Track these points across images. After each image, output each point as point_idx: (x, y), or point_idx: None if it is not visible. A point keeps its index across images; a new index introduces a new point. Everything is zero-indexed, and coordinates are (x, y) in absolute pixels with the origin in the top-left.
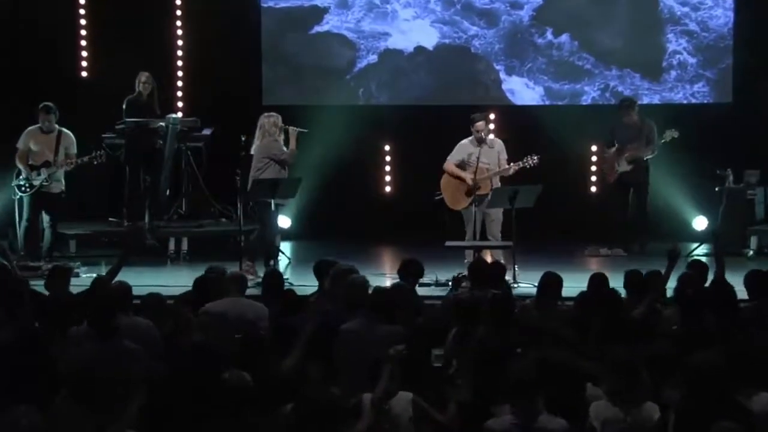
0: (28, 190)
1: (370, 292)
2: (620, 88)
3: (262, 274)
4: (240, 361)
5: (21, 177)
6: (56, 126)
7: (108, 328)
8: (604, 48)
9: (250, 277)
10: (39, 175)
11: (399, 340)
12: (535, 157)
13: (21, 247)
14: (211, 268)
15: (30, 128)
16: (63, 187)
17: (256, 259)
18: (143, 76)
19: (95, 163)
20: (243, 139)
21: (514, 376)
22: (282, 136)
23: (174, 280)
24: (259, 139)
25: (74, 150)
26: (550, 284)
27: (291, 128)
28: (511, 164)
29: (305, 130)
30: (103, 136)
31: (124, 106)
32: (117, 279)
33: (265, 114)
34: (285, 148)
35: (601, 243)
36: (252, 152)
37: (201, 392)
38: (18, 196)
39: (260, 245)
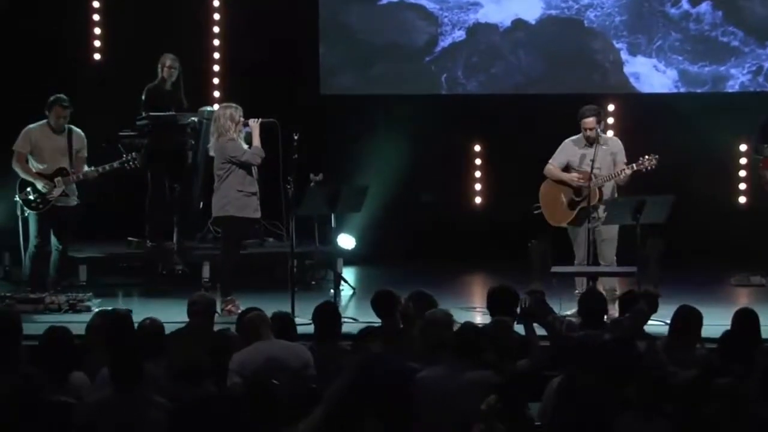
0: (41, 206)
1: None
2: None
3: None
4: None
5: (29, 189)
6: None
7: (131, 375)
8: (757, 20)
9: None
10: (56, 187)
11: (490, 389)
12: (654, 158)
13: (25, 276)
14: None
15: (31, 127)
16: (78, 200)
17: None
18: (168, 59)
19: (128, 168)
20: (295, 137)
21: None
22: (242, 133)
23: None
24: (214, 136)
25: (85, 153)
26: (687, 321)
27: (251, 120)
28: (625, 167)
29: (271, 120)
30: (120, 134)
31: (143, 97)
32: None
33: (222, 105)
34: (246, 146)
35: (754, 269)
36: (211, 154)
37: None
38: (27, 214)
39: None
